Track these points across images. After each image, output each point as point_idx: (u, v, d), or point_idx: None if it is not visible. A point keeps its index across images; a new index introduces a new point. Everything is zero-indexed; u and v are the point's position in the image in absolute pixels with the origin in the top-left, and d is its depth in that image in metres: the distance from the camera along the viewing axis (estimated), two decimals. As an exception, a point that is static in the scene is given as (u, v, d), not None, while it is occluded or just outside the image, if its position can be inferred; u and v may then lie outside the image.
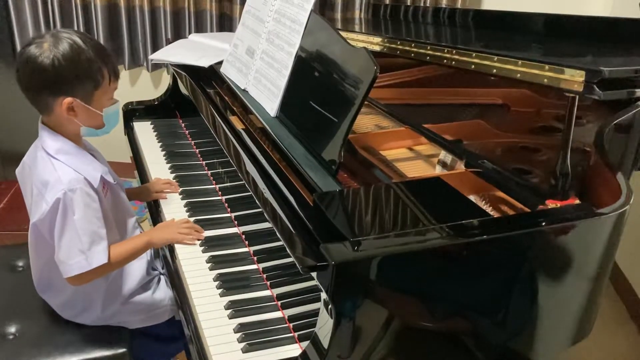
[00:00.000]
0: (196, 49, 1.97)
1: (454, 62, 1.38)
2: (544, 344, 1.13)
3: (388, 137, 1.48)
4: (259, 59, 1.54)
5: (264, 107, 1.45)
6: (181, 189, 1.63)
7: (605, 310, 1.22)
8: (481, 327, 1.07)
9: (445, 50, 1.41)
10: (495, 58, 1.26)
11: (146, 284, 1.46)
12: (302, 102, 1.34)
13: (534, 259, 1.05)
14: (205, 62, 1.82)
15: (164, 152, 1.86)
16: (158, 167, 1.77)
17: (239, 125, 1.46)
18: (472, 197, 1.18)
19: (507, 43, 1.63)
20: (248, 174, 1.29)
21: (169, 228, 1.42)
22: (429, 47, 1.47)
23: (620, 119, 1.26)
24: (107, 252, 1.25)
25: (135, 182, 1.79)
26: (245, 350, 1.08)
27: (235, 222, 1.47)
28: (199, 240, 1.40)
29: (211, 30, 2.80)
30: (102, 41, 2.69)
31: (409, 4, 2.67)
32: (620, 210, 1.05)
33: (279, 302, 1.20)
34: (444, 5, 2.64)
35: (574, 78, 1.10)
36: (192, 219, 1.47)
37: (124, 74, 2.95)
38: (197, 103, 1.72)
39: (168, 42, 2.24)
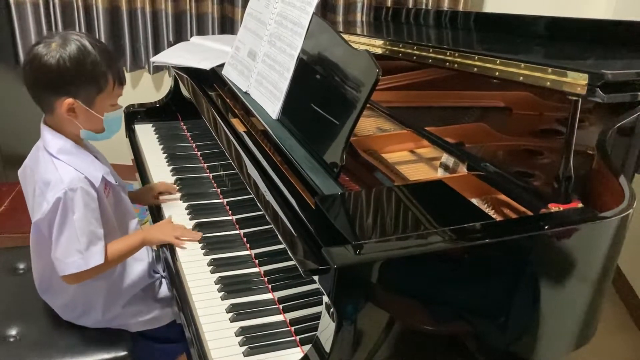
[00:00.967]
0: (198, 52, 1.97)
1: (456, 65, 1.37)
2: (546, 348, 1.12)
3: (390, 139, 1.48)
4: (260, 61, 1.54)
5: (266, 110, 1.45)
6: (183, 191, 1.62)
7: (607, 314, 1.21)
8: (483, 331, 1.06)
9: (448, 53, 1.40)
10: (498, 61, 1.26)
11: (147, 286, 1.46)
12: (304, 105, 1.33)
13: (537, 263, 1.04)
14: (206, 65, 1.82)
15: (165, 155, 1.86)
16: (159, 169, 1.77)
17: (240, 128, 1.46)
18: (474, 201, 1.18)
19: (510, 46, 1.63)
20: (249, 177, 1.29)
21: (164, 228, 1.42)
22: (431, 50, 1.47)
23: (623, 122, 1.26)
24: (104, 252, 1.27)
25: (136, 185, 1.79)
26: (246, 354, 1.07)
27: (237, 224, 1.47)
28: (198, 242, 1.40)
29: (213, 33, 2.80)
30: (104, 44, 2.69)
31: (410, 6, 2.67)
32: (623, 214, 1.04)
33: (281, 306, 1.19)
34: (445, 8, 2.64)
35: (576, 81, 1.09)
36: (193, 222, 1.47)
37: (126, 77, 2.94)
38: (198, 105, 1.72)
39: (170, 45, 2.24)
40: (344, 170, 1.16)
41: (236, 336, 1.12)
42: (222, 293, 1.23)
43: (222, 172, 1.66)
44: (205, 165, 1.78)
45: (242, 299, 1.22)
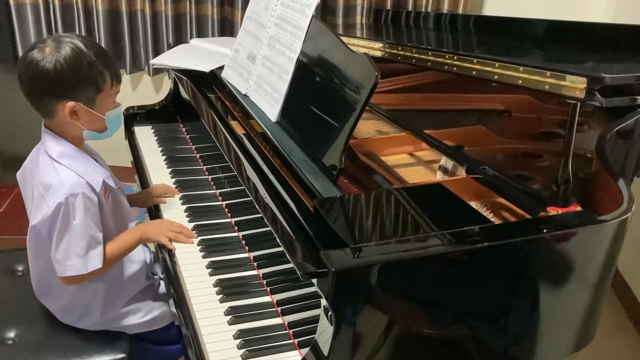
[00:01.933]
0: (197, 54, 1.97)
1: (455, 68, 1.37)
2: (545, 352, 1.12)
3: (389, 142, 1.47)
4: (260, 64, 1.54)
5: (265, 112, 1.45)
6: (182, 193, 1.62)
7: (606, 316, 1.21)
8: (482, 334, 1.06)
9: (447, 56, 1.40)
10: (497, 64, 1.26)
11: (145, 289, 1.46)
12: (303, 108, 1.33)
13: (535, 266, 1.04)
14: (206, 67, 1.82)
15: (164, 157, 1.85)
16: (158, 171, 1.77)
17: (239, 130, 1.45)
18: (473, 204, 1.18)
19: (509, 49, 1.63)
20: (248, 179, 1.29)
21: (159, 227, 1.42)
22: (430, 53, 1.47)
23: (621, 126, 1.26)
24: (103, 255, 1.27)
25: (135, 187, 1.79)
26: (245, 357, 1.07)
27: (236, 227, 1.47)
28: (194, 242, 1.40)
29: (212, 35, 2.80)
30: (103, 46, 2.69)
31: (410, 9, 2.67)
32: (622, 217, 1.04)
33: (279, 309, 1.19)
34: (445, 11, 2.64)
35: (575, 85, 1.09)
36: (192, 224, 1.47)
37: (125, 79, 2.95)
38: (198, 108, 1.72)
39: (169, 47, 2.24)
40: (342, 173, 1.16)
41: (234, 339, 1.12)
42: (221, 295, 1.23)
43: (221, 175, 1.66)
44: (205, 167, 1.77)
45: (241, 301, 1.22)
